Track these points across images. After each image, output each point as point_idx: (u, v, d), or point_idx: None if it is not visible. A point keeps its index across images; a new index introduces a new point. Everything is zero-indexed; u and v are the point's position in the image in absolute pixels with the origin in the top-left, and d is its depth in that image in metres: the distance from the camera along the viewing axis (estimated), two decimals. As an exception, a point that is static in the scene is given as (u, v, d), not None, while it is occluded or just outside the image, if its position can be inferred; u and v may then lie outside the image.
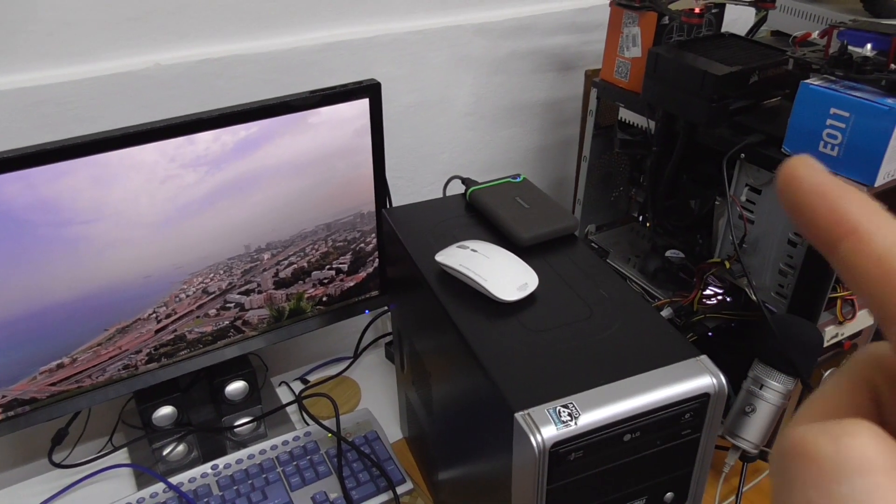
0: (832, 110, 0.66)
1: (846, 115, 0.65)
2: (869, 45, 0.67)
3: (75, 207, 0.69)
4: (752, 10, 1.12)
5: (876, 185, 0.65)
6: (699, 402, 0.52)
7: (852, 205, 0.17)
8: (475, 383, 0.57)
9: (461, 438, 0.67)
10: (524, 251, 0.67)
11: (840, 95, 0.65)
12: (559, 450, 0.49)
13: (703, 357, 0.54)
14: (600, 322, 0.58)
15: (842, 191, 0.17)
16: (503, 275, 0.62)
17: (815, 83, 0.67)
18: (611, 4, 0.86)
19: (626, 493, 0.55)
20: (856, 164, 0.65)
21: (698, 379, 0.52)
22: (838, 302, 0.75)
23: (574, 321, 0.59)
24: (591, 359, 0.54)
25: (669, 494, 0.57)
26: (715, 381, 0.52)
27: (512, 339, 0.57)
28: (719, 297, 0.83)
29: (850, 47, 0.68)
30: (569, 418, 0.49)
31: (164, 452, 0.89)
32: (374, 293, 0.94)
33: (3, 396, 0.75)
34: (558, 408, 0.49)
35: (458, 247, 0.65)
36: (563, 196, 1.19)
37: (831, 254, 0.17)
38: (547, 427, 0.48)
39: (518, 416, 0.49)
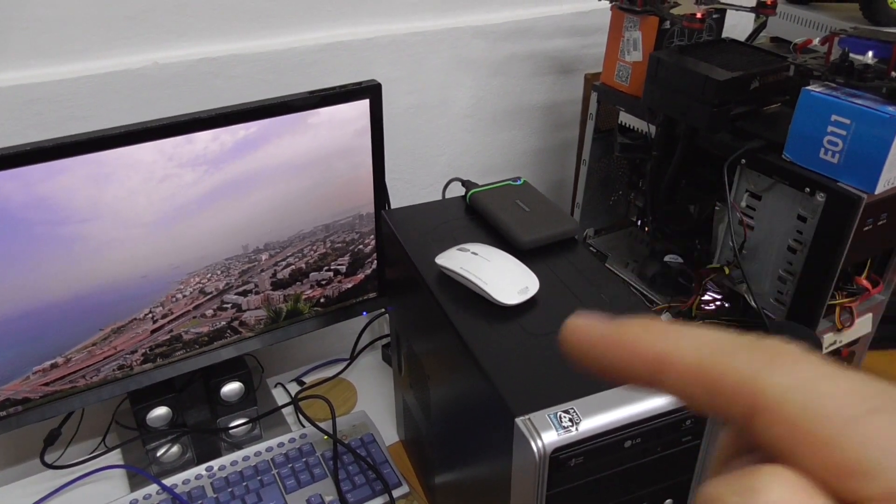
0: (833, 117, 0.66)
1: (847, 122, 0.65)
2: (870, 53, 0.67)
3: (71, 206, 0.68)
4: (752, 17, 1.12)
5: (876, 192, 0.65)
6: (700, 408, 0.52)
7: (648, 338, 0.17)
8: (475, 387, 0.57)
9: (459, 442, 0.66)
10: (524, 254, 0.66)
11: (841, 102, 0.65)
12: (560, 455, 0.48)
13: (705, 363, 0.53)
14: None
15: (632, 329, 0.18)
16: (504, 278, 0.61)
17: (817, 90, 0.67)
18: (612, 8, 0.86)
19: (626, 500, 0.55)
20: (856, 171, 0.66)
21: (699, 385, 0.52)
22: (837, 309, 0.75)
23: (575, 326, 0.58)
24: (591, 364, 0.54)
25: (669, 501, 0.57)
26: (716, 387, 0.52)
27: (512, 343, 0.57)
28: (718, 303, 0.83)
29: (851, 55, 0.68)
30: (570, 424, 0.49)
31: (158, 454, 0.88)
32: (373, 295, 0.94)
33: (-4, 396, 0.74)
34: (559, 413, 0.49)
35: (459, 249, 0.65)
36: (561, 199, 1.19)
37: (657, 389, 0.17)
38: (548, 432, 0.48)
39: (519, 421, 0.49)
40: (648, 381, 0.17)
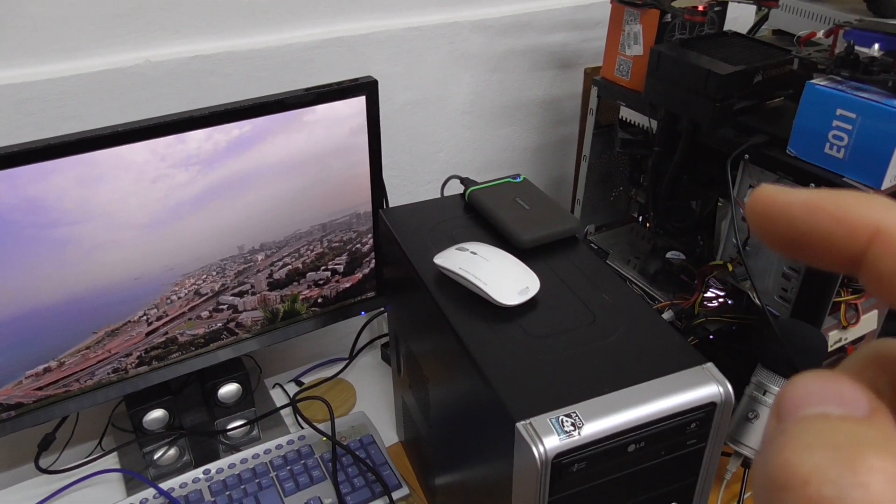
0: (838, 111, 0.64)
1: (853, 116, 0.64)
2: (876, 46, 0.66)
3: (62, 208, 0.67)
4: (753, 9, 1.10)
5: (883, 187, 0.64)
6: (705, 411, 0.51)
7: (863, 206, 0.15)
8: (475, 390, 0.56)
9: (459, 445, 0.65)
10: (524, 253, 0.65)
11: (847, 96, 0.64)
12: (562, 461, 0.47)
13: (710, 365, 0.52)
14: (603, 327, 0.57)
15: (841, 196, 0.15)
16: (504, 278, 0.60)
17: (822, 83, 0.66)
18: (612, 1, 0.85)
19: (630, 504, 0.54)
20: (862, 166, 0.64)
21: (704, 387, 0.51)
22: (842, 306, 0.73)
23: (577, 326, 0.57)
24: (594, 366, 0.53)
25: (673, 505, 0.56)
26: (721, 389, 0.51)
27: (513, 345, 0.56)
28: (720, 300, 0.82)
29: (856, 47, 0.66)
30: (572, 428, 0.47)
31: (155, 457, 0.87)
32: (371, 294, 0.93)
33: (-11, 401, 0.73)
34: (561, 417, 0.48)
35: (458, 249, 0.64)
36: (561, 196, 1.18)
37: (857, 268, 0.15)
38: (549, 437, 0.47)
39: (520, 425, 0.48)
40: (851, 258, 0.15)
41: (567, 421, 0.48)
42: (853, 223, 0.15)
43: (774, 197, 0.16)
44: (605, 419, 0.48)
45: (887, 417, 0.14)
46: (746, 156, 0.73)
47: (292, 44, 0.86)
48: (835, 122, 0.65)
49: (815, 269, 0.69)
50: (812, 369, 0.15)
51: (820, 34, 0.74)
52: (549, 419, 0.48)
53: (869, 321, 0.76)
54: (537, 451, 0.46)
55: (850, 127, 0.64)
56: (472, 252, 0.62)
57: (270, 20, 0.85)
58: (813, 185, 0.67)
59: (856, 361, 0.16)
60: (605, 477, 0.50)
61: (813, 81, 0.66)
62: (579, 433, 0.47)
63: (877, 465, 0.12)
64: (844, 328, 0.74)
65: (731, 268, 0.77)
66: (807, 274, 0.70)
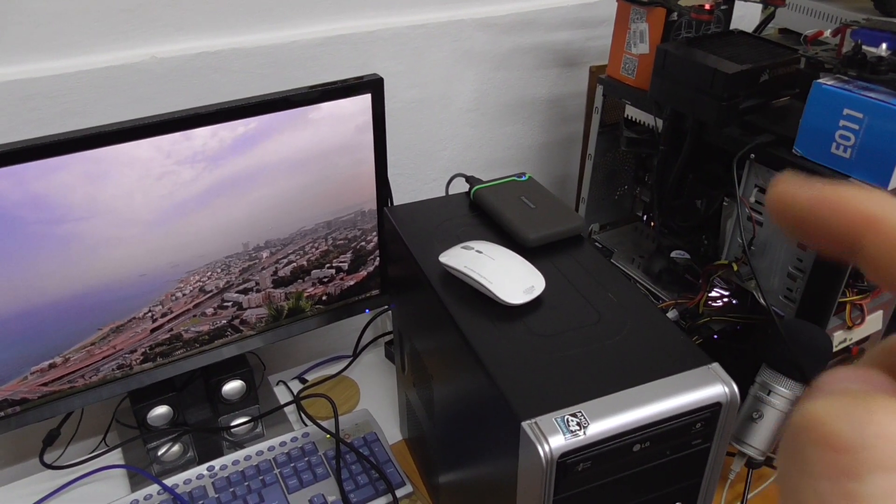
0: (845, 111, 0.64)
1: (860, 115, 0.63)
2: (884, 45, 0.66)
3: (67, 204, 0.67)
4: (758, 8, 1.10)
5: (889, 187, 0.64)
6: (710, 411, 0.51)
7: (859, 199, 0.16)
8: (480, 389, 0.56)
9: (464, 443, 0.65)
10: (530, 252, 0.65)
11: (854, 96, 0.64)
12: (567, 460, 0.47)
13: (715, 365, 0.52)
14: (609, 327, 0.57)
15: (842, 190, 0.17)
16: (509, 277, 0.60)
17: (828, 83, 0.66)
18: (618, 0, 0.84)
19: (635, 504, 0.54)
20: (869, 165, 0.64)
21: (710, 388, 0.51)
22: (847, 306, 0.73)
23: (582, 326, 0.57)
24: (599, 365, 0.53)
25: (678, 504, 0.56)
26: (727, 389, 0.51)
27: (518, 344, 0.56)
28: (725, 300, 0.82)
29: (864, 47, 0.66)
30: (577, 428, 0.47)
31: (159, 453, 0.87)
32: (375, 292, 0.93)
33: (-6, 397, 0.73)
34: (566, 417, 0.48)
35: (463, 247, 0.64)
36: (565, 194, 1.17)
37: (855, 255, 0.16)
38: (555, 437, 0.47)
39: (525, 424, 0.48)
40: (850, 245, 0.16)
41: (572, 420, 0.48)
42: (850, 213, 0.16)
43: (787, 191, 0.17)
44: (610, 419, 0.48)
45: None
46: (752, 155, 0.72)
47: (297, 41, 0.86)
48: (841, 122, 0.65)
49: (821, 269, 0.68)
50: (818, 370, 0.16)
51: (827, 33, 0.74)
52: (555, 418, 0.48)
53: (874, 321, 0.76)
54: (542, 450, 0.46)
55: (856, 127, 0.64)
56: (478, 251, 0.62)
57: (275, 17, 0.85)
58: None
59: (875, 354, 0.17)
60: (610, 476, 0.50)
61: (820, 81, 0.66)
62: (584, 433, 0.47)
63: (892, 407, 0.13)
64: (849, 328, 0.74)
65: (735, 267, 0.77)
66: (812, 274, 0.70)
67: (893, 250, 0.15)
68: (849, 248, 0.16)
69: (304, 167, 0.78)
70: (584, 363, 0.53)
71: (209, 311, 0.81)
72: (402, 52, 0.94)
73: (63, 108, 0.76)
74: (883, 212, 0.16)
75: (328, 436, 0.87)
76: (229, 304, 0.82)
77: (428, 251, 0.66)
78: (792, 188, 0.17)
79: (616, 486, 0.51)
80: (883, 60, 0.64)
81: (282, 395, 0.98)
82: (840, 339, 0.74)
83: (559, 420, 0.48)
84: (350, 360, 1.03)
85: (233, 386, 0.90)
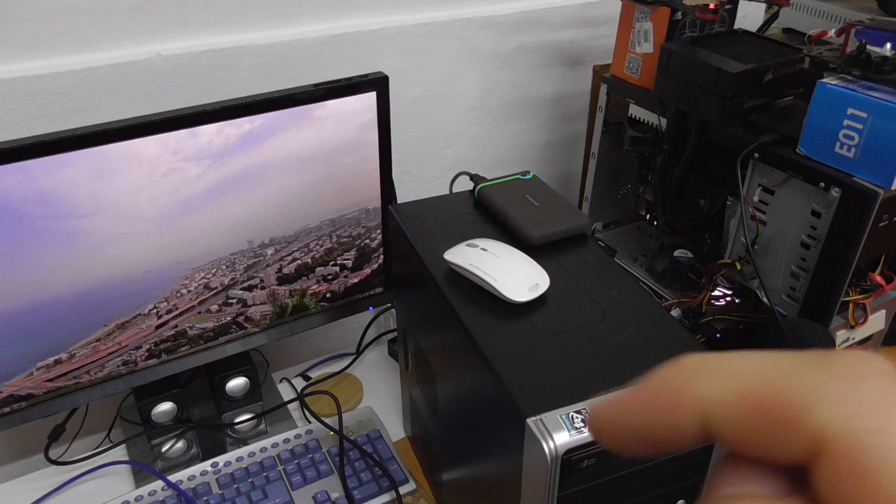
0: (849, 110, 0.64)
1: (864, 115, 0.63)
2: (888, 45, 0.66)
3: (74, 200, 0.68)
4: (762, 7, 1.10)
5: (893, 187, 0.64)
6: (715, 408, 0.51)
7: (681, 386, 0.14)
8: (484, 386, 0.56)
9: (467, 440, 0.66)
10: (534, 250, 0.65)
11: (858, 95, 0.64)
12: (572, 457, 0.47)
13: (719, 362, 0.52)
14: (613, 324, 0.57)
15: (658, 384, 0.15)
16: (514, 275, 0.60)
17: (833, 82, 0.66)
18: (622, -1, 0.84)
19: (638, 501, 0.54)
20: (873, 165, 0.64)
21: (714, 385, 0.51)
22: (850, 306, 0.73)
23: (586, 323, 0.57)
24: (604, 362, 0.53)
25: (681, 502, 0.56)
26: (731, 387, 0.51)
27: (523, 342, 0.56)
28: (728, 299, 0.82)
29: (868, 46, 0.66)
30: (582, 424, 0.48)
31: (163, 449, 0.87)
32: (379, 290, 0.93)
33: None
34: (571, 413, 0.48)
35: (468, 245, 0.64)
36: (569, 193, 1.18)
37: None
38: (559, 433, 0.47)
39: (530, 421, 0.48)
40: (700, 434, 0.14)
41: (577, 417, 0.48)
42: (681, 402, 0.15)
43: (607, 411, 0.16)
44: (615, 416, 0.48)
45: (802, 498, 0.13)
46: (756, 154, 0.72)
47: (302, 39, 0.86)
48: (846, 122, 0.65)
49: (824, 269, 0.68)
50: None
51: (831, 33, 0.74)
52: (559, 415, 0.48)
53: (877, 321, 0.76)
54: (547, 446, 0.47)
55: (860, 126, 0.64)
56: (483, 248, 0.63)
57: (280, 15, 0.86)
58: (822, 184, 0.67)
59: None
60: (614, 473, 0.51)
61: (824, 80, 0.66)
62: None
63: None
64: (852, 328, 0.74)
65: (739, 266, 0.77)
66: (815, 273, 0.70)
67: (740, 423, 0.13)
68: (702, 437, 0.14)
69: (308, 165, 0.78)
70: (588, 360, 0.53)
71: (214, 307, 0.82)
72: (406, 50, 0.94)
73: (69, 104, 0.76)
74: (715, 383, 0.14)
75: (331, 433, 0.87)
76: (234, 300, 0.83)
77: (432, 249, 0.67)
78: (608, 407, 0.15)
79: (619, 482, 0.51)
80: (887, 60, 0.64)
81: (285, 392, 0.98)
82: (843, 338, 0.74)
83: (564, 417, 0.48)
84: (353, 357, 1.04)
85: (237, 383, 0.91)
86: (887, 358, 0.15)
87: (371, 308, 0.95)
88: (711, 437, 0.14)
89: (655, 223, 0.96)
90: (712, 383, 0.14)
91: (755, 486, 0.14)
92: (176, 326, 0.81)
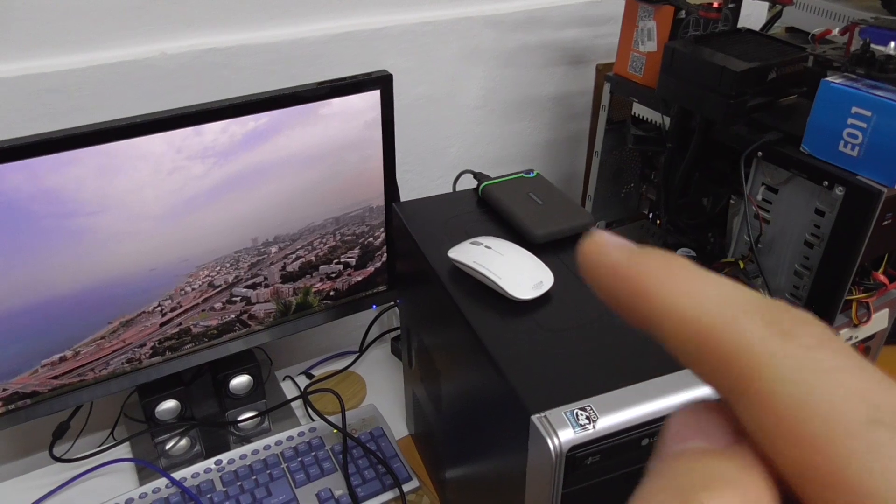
0: (854, 109, 0.64)
1: (868, 114, 0.63)
2: (892, 44, 0.66)
3: (79, 198, 0.68)
4: (765, 6, 1.10)
5: (897, 185, 0.64)
6: (719, 406, 0.51)
7: (654, 282, 0.15)
8: (489, 383, 0.56)
9: (471, 438, 0.66)
10: (538, 248, 0.65)
11: (862, 94, 0.64)
12: (576, 454, 0.48)
13: (723, 360, 0.53)
14: (618, 322, 0.57)
15: (640, 265, 0.15)
16: (518, 272, 0.60)
17: (837, 81, 0.66)
18: (626, -2, 0.85)
19: (642, 498, 0.54)
20: (877, 164, 0.64)
21: (718, 383, 0.51)
22: (854, 304, 0.73)
23: (591, 321, 0.57)
24: (609, 360, 0.53)
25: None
26: (735, 384, 0.51)
27: (527, 339, 0.56)
28: (731, 297, 0.82)
29: (872, 45, 0.66)
30: (587, 421, 0.48)
31: (167, 447, 0.88)
32: (382, 288, 0.93)
33: (4, 390, 0.74)
34: (576, 410, 0.48)
35: (472, 243, 0.64)
36: (572, 192, 1.18)
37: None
38: (564, 430, 0.47)
39: (535, 418, 0.48)
40: (644, 324, 0.15)
41: (582, 414, 0.48)
42: (646, 292, 0.15)
43: (595, 251, 0.16)
44: (619, 413, 0.48)
45: (747, 447, 0.14)
46: (760, 153, 0.73)
47: (305, 37, 0.87)
48: (849, 120, 0.65)
49: (827, 267, 0.68)
50: None
51: (835, 32, 0.74)
52: (564, 412, 0.48)
53: (880, 319, 0.76)
54: (552, 443, 0.47)
55: (864, 125, 0.64)
56: (487, 246, 0.63)
57: (284, 14, 0.86)
58: (826, 183, 0.67)
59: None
60: (619, 470, 0.51)
61: (828, 79, 0.66)
62: (594, 426, 0.47)
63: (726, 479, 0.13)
64: (856, 326, 0.74)
65: (742, 265, 0.78)
66: (819, 272, 0.70)
67: (681, 337, 0.14)
68: (645, 326, 0.15)
69: (313, 163, 0.78)
70: (593, 358, 0.53)
71: (218, 305, 0.82)
72: (409, 49, 0.94)
73: (75, 102, 0.77)
74: (679, 294, 0.14)
75: (335, 430, 0.87)
76: (238, 298, 0.83)
77: (436, 247, 0.67)
78: (602, 248, 0.16)
79: (624, 480, 0.51)
80: (891, 59, 0.65)
81: (289, 390, 0.98)
82: (846, 336, 0.74)
83: (569, 414, 0.48)
84: (356, 355, 1.04)
85: (240, 381, 0.91)
86: (887, 360, 0.16)
87: (374, 306, 0.95)
88: (652, 332, 0.15)
89: (658, 222, 0.96)
90: (681, 289, 0.15)
91: (700, 440, 0.15)
92: (180, 324, 0.81)
